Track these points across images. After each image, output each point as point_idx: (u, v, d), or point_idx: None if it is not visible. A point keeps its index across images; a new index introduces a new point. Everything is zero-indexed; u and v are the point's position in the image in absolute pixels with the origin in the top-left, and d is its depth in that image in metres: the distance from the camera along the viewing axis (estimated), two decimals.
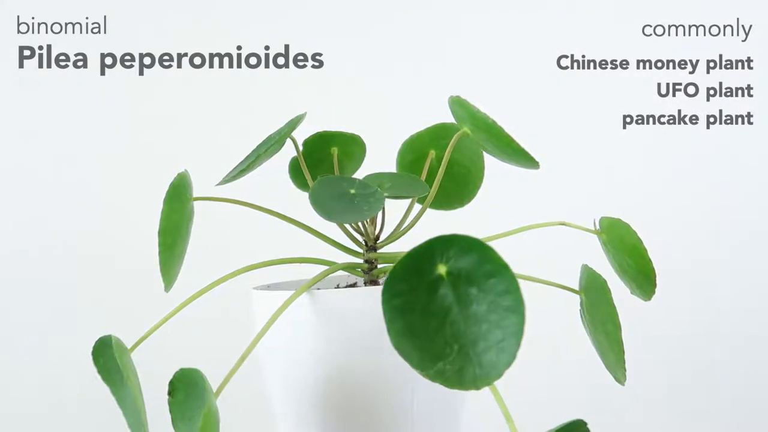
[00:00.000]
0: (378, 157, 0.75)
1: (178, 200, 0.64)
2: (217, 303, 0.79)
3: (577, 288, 0.68)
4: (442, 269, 0.51)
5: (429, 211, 0.73)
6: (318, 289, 0.64)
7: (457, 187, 0.75)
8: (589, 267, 0.67)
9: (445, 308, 0.50)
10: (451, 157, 0.70)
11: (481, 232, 0.68)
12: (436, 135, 0.74)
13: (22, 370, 1.09)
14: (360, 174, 0.74)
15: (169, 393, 0.57)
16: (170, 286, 0.64)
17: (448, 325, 0.50)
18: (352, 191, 0.62)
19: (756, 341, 1.14)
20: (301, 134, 0.72)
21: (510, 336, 0.49)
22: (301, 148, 0.72)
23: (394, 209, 0.70)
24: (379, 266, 0.68)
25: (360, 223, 0.68)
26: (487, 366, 0.49)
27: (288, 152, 0.71)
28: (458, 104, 0.64)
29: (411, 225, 0.69)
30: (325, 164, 0.74)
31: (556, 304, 0.82)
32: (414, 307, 0.50)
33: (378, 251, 0.68)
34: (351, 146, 0.74)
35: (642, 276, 0.66)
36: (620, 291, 0.68)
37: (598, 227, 0.68)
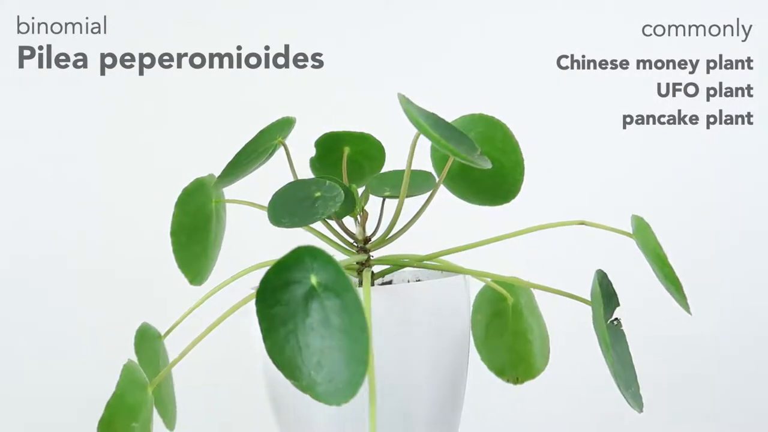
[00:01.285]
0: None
1: (193, 202, 0.65)
2: (217, 303, 0.79)
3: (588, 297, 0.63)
4: (314, 279, 0.50)
5: (450, 209, 0.72)
6: None
7: (493, 182, 0.70)
8: (596, 274, 0.62)
9: (320, 320, 0.50)
10: (481, 150, 0.68)
11: (493, 231, 0.68)
12: (465, 128, 0.69)
13: (24, 370, 1.09)
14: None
15: None
16: (197, 281, 0.66)
17: (324, 337, 0.49)
18: (318, 194, 0.61)
19: (756, 341, 1.14)
20: (302, 135, 0.72)
21: (365, 351, 0.48)
22: (314, 150, 0.72)
23: (405, 208, 0.69)
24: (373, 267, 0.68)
25: (349, 224, 0.68)
26: (353, 380, 0.48)
27: (291, 152, 0.71)
28: (402, 102, 0.60)
29: (396, 223, 0.68)
30: (341, 165, 0.72)
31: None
32: (295, 317, 0.50)
33: (372, 252, 0.68)
34: (364, 145, 0.72)
35: (672, 286, 0.61)
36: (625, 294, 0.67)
37: (631, 228, 0.64)
